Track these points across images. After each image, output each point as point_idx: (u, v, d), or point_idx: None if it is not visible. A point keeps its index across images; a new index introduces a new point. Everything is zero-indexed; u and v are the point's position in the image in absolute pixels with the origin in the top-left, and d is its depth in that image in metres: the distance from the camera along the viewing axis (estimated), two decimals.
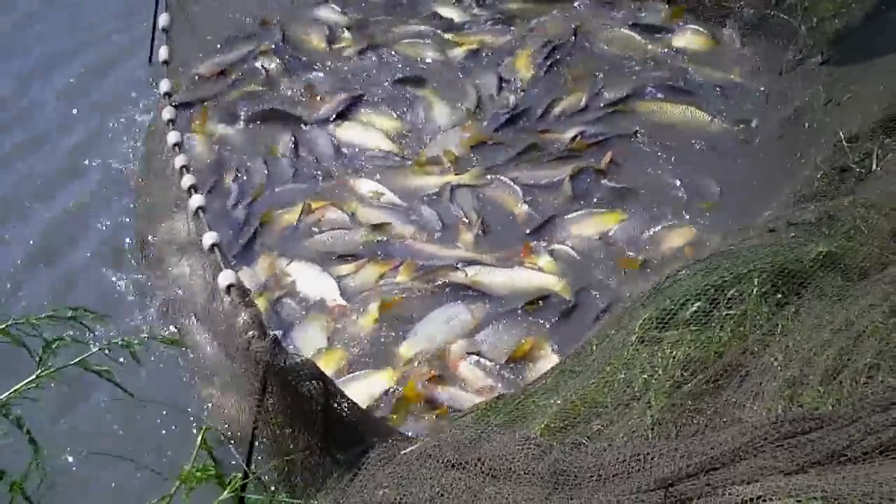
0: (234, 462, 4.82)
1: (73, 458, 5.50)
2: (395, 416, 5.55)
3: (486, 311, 6.23)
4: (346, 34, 8.86)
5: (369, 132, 7.71)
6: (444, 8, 9.15)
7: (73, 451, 5.52)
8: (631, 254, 6.53)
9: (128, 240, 6.98)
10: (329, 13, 9.12)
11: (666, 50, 8.46)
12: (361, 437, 4.61)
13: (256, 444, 4.67)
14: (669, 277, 4.70)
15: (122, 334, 3.63)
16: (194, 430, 5.52)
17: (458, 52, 8.58)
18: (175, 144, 6.11)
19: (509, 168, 7.28)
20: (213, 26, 8.64)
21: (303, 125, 7.81)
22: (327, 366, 5.74)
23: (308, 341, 6.10)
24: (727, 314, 4.27)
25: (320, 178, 7.35)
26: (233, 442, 5.12)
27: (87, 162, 7.74)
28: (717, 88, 7.95)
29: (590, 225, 6.80)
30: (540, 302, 6.23)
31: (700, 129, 7.55)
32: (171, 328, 6.08)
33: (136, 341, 3.47)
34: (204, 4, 8.53)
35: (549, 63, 8.34)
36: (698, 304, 4.33)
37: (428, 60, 8.49)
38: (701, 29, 8.59)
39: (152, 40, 7.74)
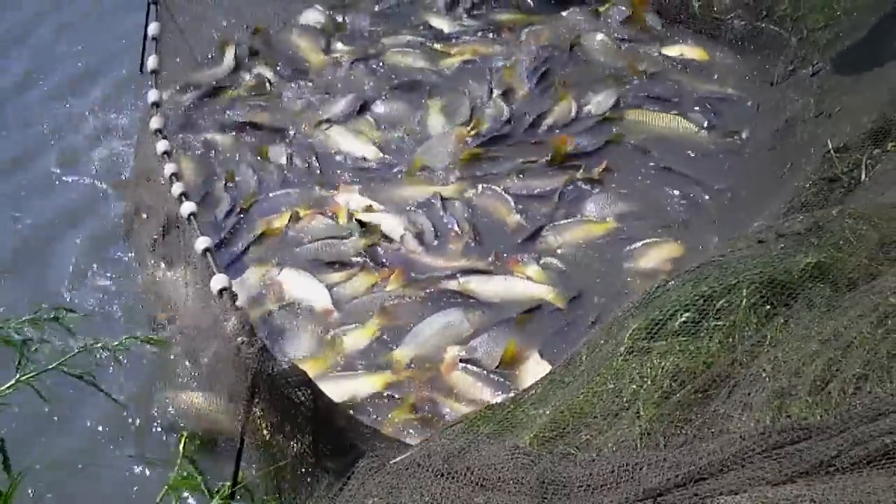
0: (220, 469, 4.82)
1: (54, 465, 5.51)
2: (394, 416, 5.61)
3: (483, 319, 6.25)
4: (339, 45, 8.86)
5: (359, 140, 7.71)
6: (435, 18, 9.14)
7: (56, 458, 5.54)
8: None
9: (119, 252, 6.99)
10: (320, 20, 9.10)
11: (657, 60, 8.46)
12: (351, 446, 4.61)
13: (244, 451, 4.67)
14: (659, 287, 4.71)
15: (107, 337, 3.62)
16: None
17: (448, 63, 8.56)
18: (164, 153, 6.11)
19: (500, 178, 7.28)
20: (203, 35, 8.63)
21: (290, 133, 7.81)
22: (317, 370, 5.76)
23: (298, 348, 6.12)
24: (716, 325, 4.27)
25: (310, 186, 7.35)
26: (219, 448, 5.13)
27: (75, 169, 7.75)
28: (708, 99, 7.95)
29: (581, 233, 6.81)
30: (533, 311, 6.25)
31: (688, 139, 7.56)
32: (159, 332, 6.09)
33: (116, 343, 3.46)
34: (194, 14, 8.51)
35: (540, 73, 8.34)
36: (687, 314, 4.33)
37: (419, 70, 8.48)
38: (692, 40, 8.59)
39: (143, 49, 7.73)
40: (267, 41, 8.84)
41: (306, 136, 7.81)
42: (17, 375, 3.14)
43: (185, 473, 3.48)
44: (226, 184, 7.36)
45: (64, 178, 7.72)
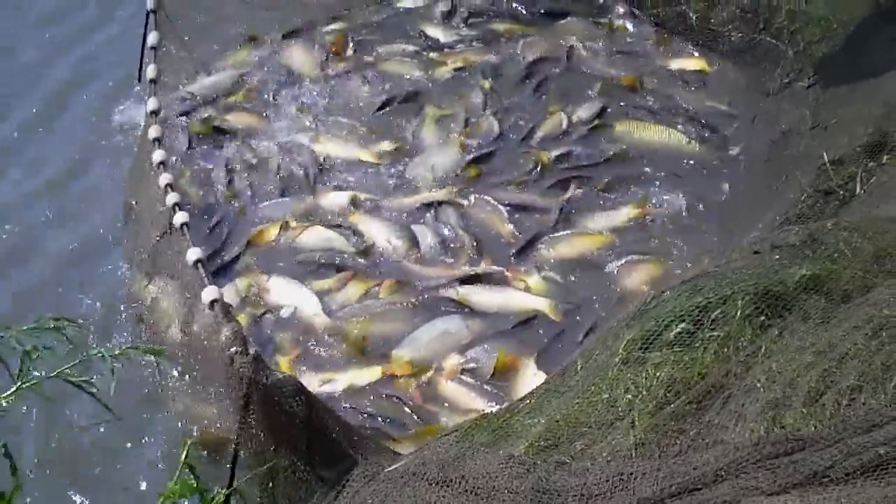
0: (216, 478, 4.82)
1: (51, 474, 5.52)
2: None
3: (483, 326, 6.27)
4: (336, 52, 8.86)
5: (354, 148, 7.72)
6: (431, 27, 9.13)
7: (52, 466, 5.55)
8: None
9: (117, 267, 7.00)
10: (317, 31, 9.12)
11: (653, 71, 8.47)
12: (345, 454, 4.62)
13: (239, 460, 4.67)
14: (654, 298, 4.71)
15: (105, 347, 3.62)
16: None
17: (443, 72, 8.56)
18: (160, 163, 6.13)
19: (496, 189, 7.30)
20: (202, 43, 8.64)
21: (284, 141, 7.82)
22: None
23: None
24: (711, 335, 4.27)
25: (303, 195, 7.35)
26: (216, 457, 5.14)
27: (76, 176, 7.77)
28: (702, 110, 7.96)
29: (578, 246, 6.83)
30: (529, 322, 6.27)
31: (681, 150, 7.58)
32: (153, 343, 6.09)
33: (116, 352, 3.45)
34: (193, 22, 8.52)
35: (534, 84, 8.36)
36: (682, 325, 4.34)
37: (414, 79, 8.47)
38: (689, 51, 8.61)
39: (141, 58, 7.75)
40: (263, 49, 8.84)
41: (300, 144, 7.79)
42: (18, 383, 3.14)
43: (184, 482, 3.47)
44: (219, 193, 7.36)
45: (59, 185, 7.73)
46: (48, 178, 7.87)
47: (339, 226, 7.03)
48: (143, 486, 5.55)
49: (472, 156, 7.60)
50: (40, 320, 3.26)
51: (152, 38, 7.56)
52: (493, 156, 7.66)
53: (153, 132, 6.46)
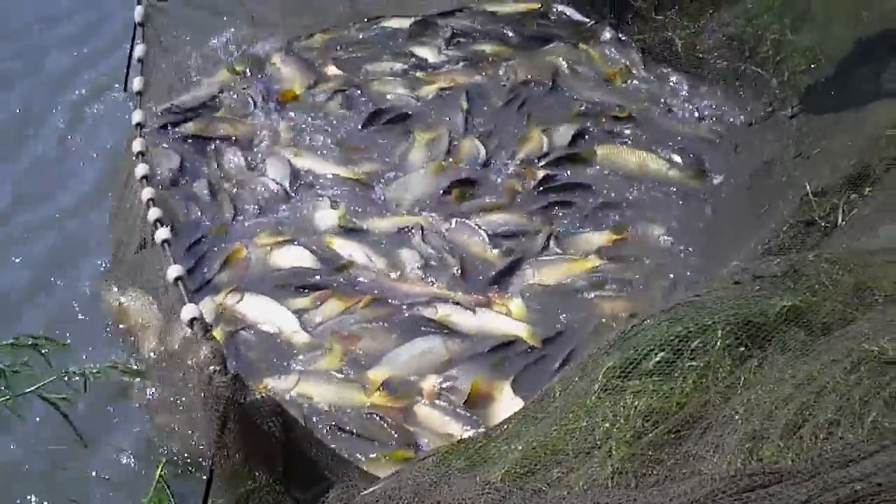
0: (191, 495, 4.80)
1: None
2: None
3: (462, 347, 6.26)
4: (322, 70, 8.88)
5: (337, 167, 7.72)
6: (419, 48, 9.15)
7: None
8: None
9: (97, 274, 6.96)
10: (305, 49, 9.13)
11: (636, 97, 8.50)
12: (321, 476, 4.60)
13: (215, 480, 4.65)
14: (634, 326, 4.71)
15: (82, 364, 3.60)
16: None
17: (429, 91, 8.58)
18: (143, 177, 6.11)
19: (475, 213, 7.30)
20: (189, 57, 8.64)
21: (269, 157, 7.81)
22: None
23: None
24: (690, 365, 4.26)
25: (285, 212, 7.36)
26: (191, 471, 5.12)
27: (58, 188, 7.75)
28: (685, 137, 7.98)
29: (560, 271, 6.82)
30: (507, 346, 6.26)
31: (663, 176, 7.60)
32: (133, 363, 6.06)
33: (95, 370, 3.44)
34: (181, 36, 8.52)
35: (518, 106, 8.38)
36: (662, 353, 4.34)
37: (400, 99, 8.48)
38: (673, 78, 8.63)
39: (127, 70, 7.73)
40: (251, 64, 8.83)
41: (284, 160, 7.78)
42: None
43: (157, 500, 3.45)
44: (201, 207, 7.36)
45: (45, 198, 7.71)
46: (29, 190, 7.83)
47: (318, 243, 7.01)
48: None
49: (454, 178, 7.61)
50: (19, 339, 3.25)
51: (139, 50, 7.55)
52: (477, 178, 7.66)
53: (137, 145, 6.44)
